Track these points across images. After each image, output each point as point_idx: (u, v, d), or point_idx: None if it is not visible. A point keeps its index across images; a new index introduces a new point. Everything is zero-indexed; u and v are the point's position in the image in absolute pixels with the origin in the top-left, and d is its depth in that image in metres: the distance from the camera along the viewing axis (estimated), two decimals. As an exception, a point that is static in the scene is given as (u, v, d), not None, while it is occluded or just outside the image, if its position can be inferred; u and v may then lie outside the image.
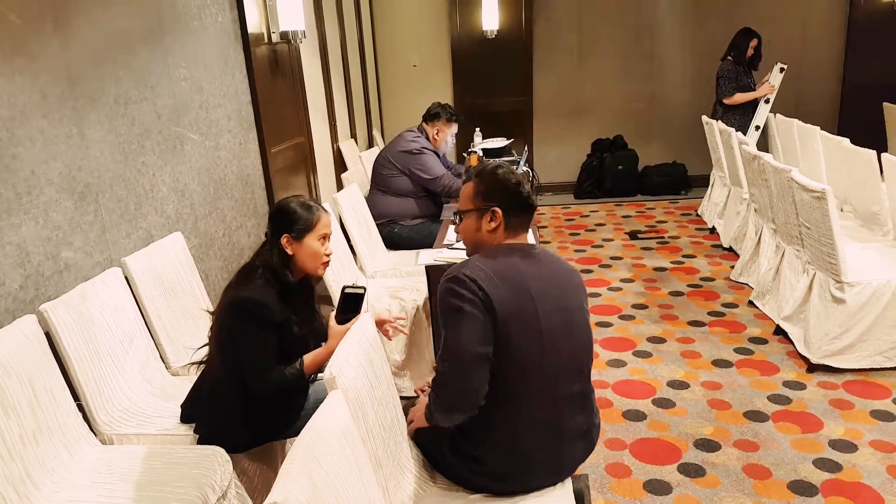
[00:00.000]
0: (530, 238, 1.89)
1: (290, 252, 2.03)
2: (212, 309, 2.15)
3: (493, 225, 1.80)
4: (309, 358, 2.05)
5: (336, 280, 3.06)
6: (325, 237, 2.08)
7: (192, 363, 2.20)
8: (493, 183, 1.81)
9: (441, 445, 1.83)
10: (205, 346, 2.14)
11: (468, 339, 1.64)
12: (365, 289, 2.09)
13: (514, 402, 1.71)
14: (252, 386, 1.99)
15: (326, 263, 2.10)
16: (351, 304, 2.07)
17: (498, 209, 1.79)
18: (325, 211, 2.11)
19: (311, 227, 2.04)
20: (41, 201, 2.10)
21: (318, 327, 2.17)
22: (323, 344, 2.08)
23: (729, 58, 5.53)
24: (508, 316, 1.65)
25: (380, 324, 2.12)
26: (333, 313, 2.09)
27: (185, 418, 2.14)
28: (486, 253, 1.78)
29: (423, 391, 2.01)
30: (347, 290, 2.07)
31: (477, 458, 1.76)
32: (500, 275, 1.68)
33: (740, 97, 5.44)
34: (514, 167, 1.90)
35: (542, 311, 1.69)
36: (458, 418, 1.72)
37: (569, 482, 1.82)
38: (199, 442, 2.07)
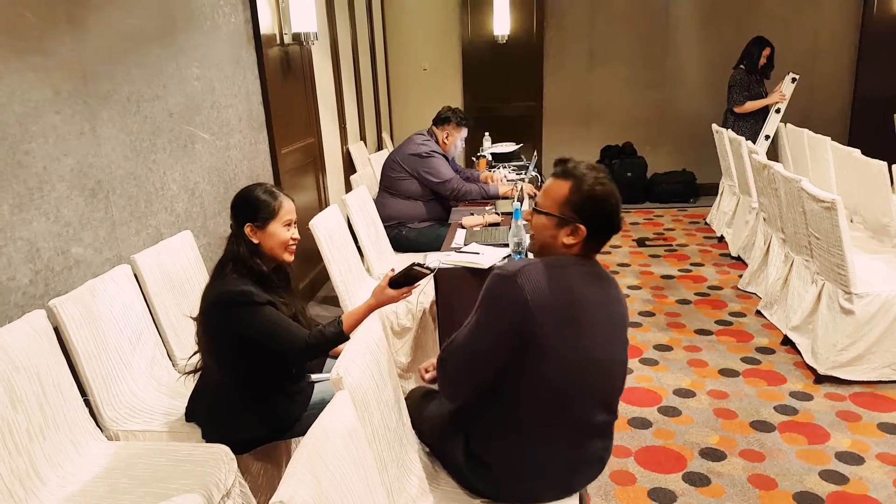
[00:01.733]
0: None
1: (255, 241, 2.00)
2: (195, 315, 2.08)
3: (572, 241, 1.64)
4: (347, 315, 2.02)
5: (344, 281, 3.07)
6: (290, 223, 2.04)
7: (187, 373, 2.18)
8: (590, 197, 1.62)
9: (454, 449, 1.82)
10: (196, 354, 2.11)
11: (483, 348, 1.63)
12: (432, 271, 2.04)
13: (538, 425, 1.67)
14: (293, 357, 2.00)
15: (293, 249, 2.06)
16: (410, 278, 2.03)
17: (583, 227, 1.62)
18: (288, 197, 2.07)
19: (274, 215, 2.00)
20: (52, 197, 2.11)
21: (301, 311, 2.14)
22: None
23: (741, 66, 5.49)
24: (546, 338, 1.56)
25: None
26: (389, 273, 2.04)
27: (189, 416, 2.15)
28: (550, 264, 1.63)
29: (426, 371, 1.98)
30: (416, 267, 2.01)
31: (488, 465, 1.74)
32: (554, 294, 1.57)
33: (751, 105, 5.42)
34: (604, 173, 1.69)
35: (587, 340, 1.62)
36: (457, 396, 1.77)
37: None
38: (205, 440, 2.07)
